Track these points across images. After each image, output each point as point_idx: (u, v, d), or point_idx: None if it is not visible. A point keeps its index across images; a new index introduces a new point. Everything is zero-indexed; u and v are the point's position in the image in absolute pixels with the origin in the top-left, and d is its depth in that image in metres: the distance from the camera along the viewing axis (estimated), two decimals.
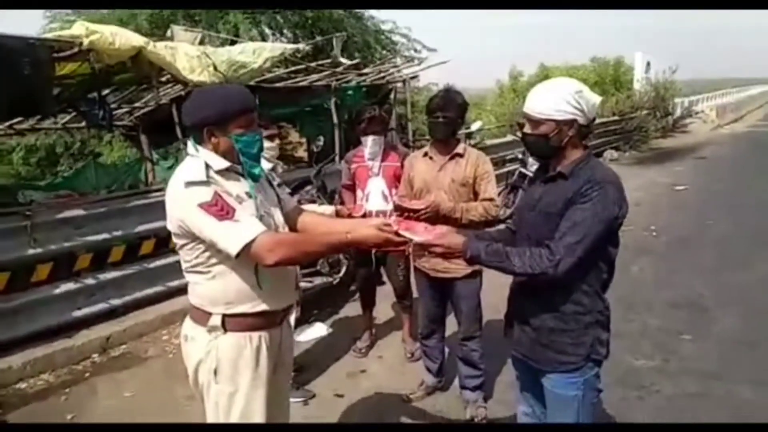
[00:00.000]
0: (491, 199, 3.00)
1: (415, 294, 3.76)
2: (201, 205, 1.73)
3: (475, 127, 9.07)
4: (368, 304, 4.11)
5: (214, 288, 1.88)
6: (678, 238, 6.75)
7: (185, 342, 1.97)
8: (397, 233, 1.90)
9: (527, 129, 1.96)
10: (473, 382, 3.21)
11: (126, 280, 4.51)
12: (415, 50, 13.80)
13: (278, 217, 2.03)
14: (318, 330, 4.40)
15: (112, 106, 6.30)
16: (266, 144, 3.31)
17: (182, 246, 1.88)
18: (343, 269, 4.87)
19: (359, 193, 3.86)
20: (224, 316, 1.88)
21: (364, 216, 3.73)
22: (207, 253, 1.85)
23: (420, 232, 1.97)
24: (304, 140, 11.94)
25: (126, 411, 3.36)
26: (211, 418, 1.96)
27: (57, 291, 4.14)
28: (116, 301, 4.40)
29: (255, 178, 1.94)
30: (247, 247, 1.73)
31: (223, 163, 1.86)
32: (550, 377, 1.98)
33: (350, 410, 3.31)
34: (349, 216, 3.75)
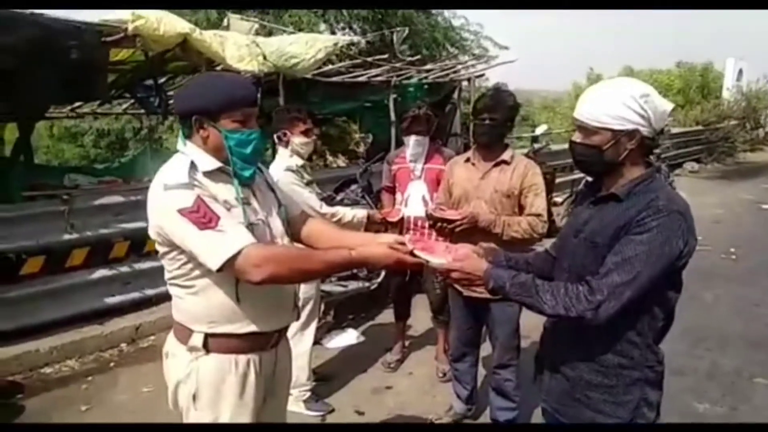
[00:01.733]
0: (539, 215, 2.65)
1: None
2: (181, 211, 1.51)
3: (539, 130, 8.58)
4: (402, 315, 3.85)
5: (197, 304, 1.65)
6: (761, 264, 6.02)
7: (166, 359, 1.75)
8: (411, 253, 1.64)
9: (576, 137, 1.60)
10: (505, 415, 2.87)
11: (161, 270, 4.43)
12: (486, 48, 13.37)
13: (276, 225, 1.78)
14: (348, 337, 4.17)
15: (169, 93, 6.33)
16: (301, 140, 3.12)
17: (163, 255, 1.65)
18: (382, 274, 4.61)
19: (398, 196, 3.60)
20: (207, 335, 1.65)
21: (401, 221, 3.51)
22: (189, 265, 1.61)
23: (438, 253, 1.68)
24: (368, 136, 11.86)
25: (138, 407, 3.25)
26: None
27: (91, 277, 4.14)
28: (150, 291, 4.34)
29: (244, 181, 1.69)
30: (231, 261, 1.50)
31: (212, 164, 1.63)
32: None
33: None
34: (383, 220, 3.53)
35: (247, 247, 1.51)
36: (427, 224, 3.42)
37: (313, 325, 3.25)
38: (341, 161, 15.54)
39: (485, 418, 3.05)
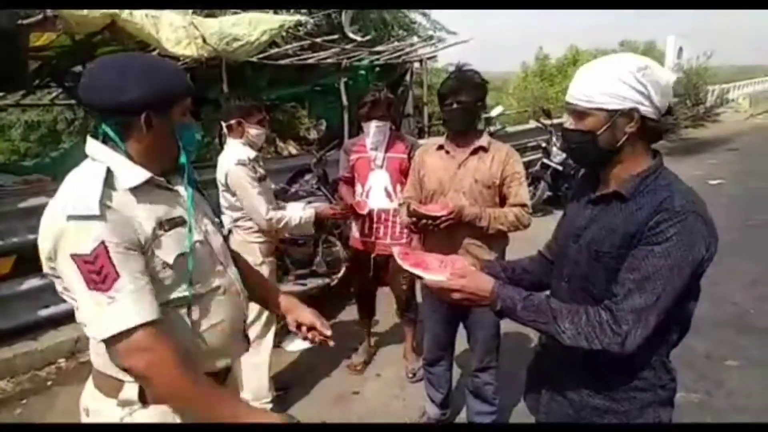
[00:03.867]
0: (524, 205, 2.46)
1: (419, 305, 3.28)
2: (74, 257, 1.16)
3: (495, 112, 8.46)
4: (366, 313, 3.63)
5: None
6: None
7: (86, 417, 1.37)
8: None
9: (568, 123, 1.40)
10: (484, 419, 2.70)
11: None
12: (435, 29, 13.21)
13: (216, 242, 1.47)
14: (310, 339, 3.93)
15: None
16: (259, 130, 2.84)
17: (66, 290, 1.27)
18: (343, 269, 4.38)
19: (359, 187, 3.35)
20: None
21: (369, 215, 3.27)
22: None
23: (434, 269, 1.48)
24: (320, 123, 11.52)
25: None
26: None
27: (21, 288, 3.73)
28: None
29: (193, 185, 1.40)
30: (117, 338, 1.17)
31: (141, 175, 1.28)
32: None
33: None
34: (352, 210, 3.29)
35: (140, 327, 1.18)
36: (390, 217, 3.23)
37: (271, 333, 3.01)
38: (292, 148, 15.16)
39: (461, 421, 2.89)
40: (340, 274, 4.37)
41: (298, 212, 2.95)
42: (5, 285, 3.70)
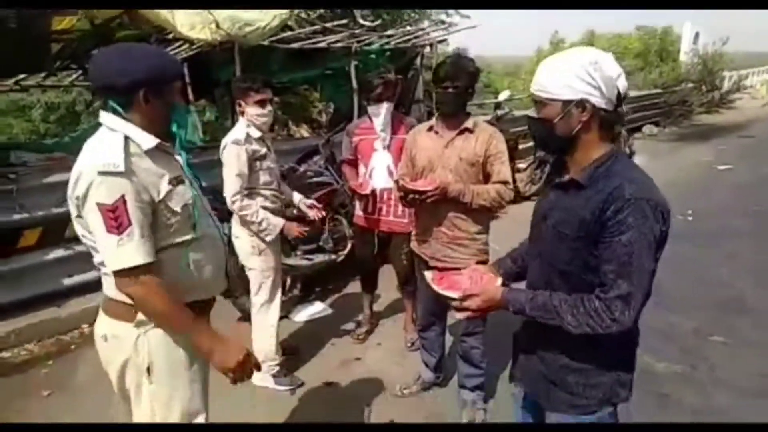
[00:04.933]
0: (506, 182, 2.65)
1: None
2: (99, 205, 1.49)
3: (503, 96, 8.55)
4: (369, 287, 3.83)
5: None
6: (717, 225, 6.21)
7: (104, 342, 1.71)
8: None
9: (532, 112, 1.56)
10: (472, 382, 2.91)
11: None
12: (447, 14, 13.20)
13: (203, 198, 1.81)
14: (316, 310, 4.16)
15: None
16: (255, 110, 3.01)
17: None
18: (348, 246, 4.58)
19: (362, 168, 3.53)
20: None
21: (373, 193, 3.45)
22: None
23: (464, 287, 1.69)
24: (329, 105, 11.64)
25: (103, 390, 3.15)
26: (146, 419, 1.73)
27: (46, 258, 3.99)
28: None
29: (187, 153, 1.76)
30: (123, 272, 1.54)
31: (152, 141, 1.60)
32: (561, 417, 1.65)
33: (339, 403, 3.08)
34: (354, 193, 3.47)
35: (143, 266, 1.54)
36: (393, 196, 3.40)
37: (278, 299, 3.22)
38: (304, 130, 15.31)
39: (453, 385, 3.10)
40: (345, 251, 4.57)
41: (264, 214, 3.00)
42: (32, 255, 3.95)
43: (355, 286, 4.52)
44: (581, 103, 1.45)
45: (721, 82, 18.50)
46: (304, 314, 4.09)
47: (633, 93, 13.89)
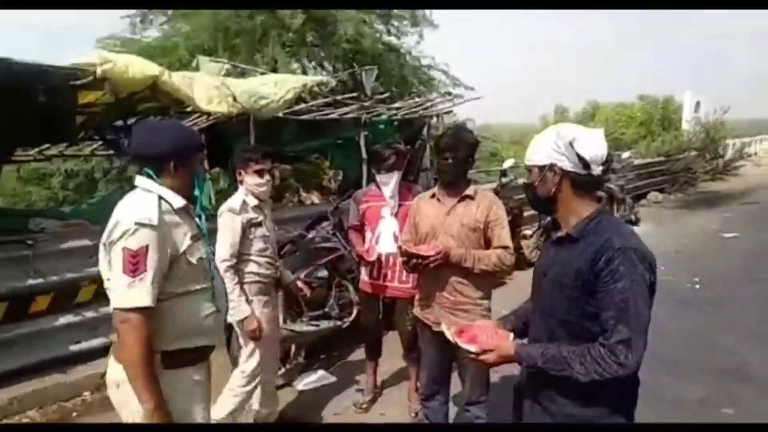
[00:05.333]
0: (506, 247, 2.72)
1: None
2: (125, 249, 1.73)
3: (507, 164, 8.75)
4: (373, 354, 3.83)
5: (159, 323, 1.81)
6: (724, 293, 6.18)
7: (117, 389, 1.86)
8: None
9: (527, 179, 1.81)
10: None
11: None
12: (454, 86, 13.71)
13: (210, 256, 2.03)
14: (320, 378, 4.13)
15: None
16: (254, 180, 3.15)
17: None
18: (355, 312, 4.59)
19: (368, 234, 3.62)
20: (164, 353, 1.84)
21: (379, 259, 3.52)
22: (165, 284, 1.81)
23: (483, 342, 1.82)
24: (338, 173, 11.92)
25: None
26: None
27: (56, 323, 4.03)
28: None
29: (202, 212, 2.00)
30: (124, 311, 1.72)
31: (181, 201, 1.87)
32: None
33: None
34: (360, 259, 3.54)
35: (144, 310, 1.72)
36: (398, 261, 3.46)
37: (254, 363, 3.16)
38: (315, 197, 15.53)
39: None
40: (351, 317, 4.58)
41: (239, 295, 3.04)
42: (42, 320, 3.99)
43: (359, 354, 4.51)
44: (551, 168, 1.69)
45: (725, 150, 18.74)
46: (307, 382, 4.06)
47: (637, 161, 14.12)
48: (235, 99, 4.79)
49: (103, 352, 4.16)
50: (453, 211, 2.79)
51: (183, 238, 1.85)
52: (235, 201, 3.12)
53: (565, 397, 1.67)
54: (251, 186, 3.14)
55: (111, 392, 1.91)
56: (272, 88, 5.12)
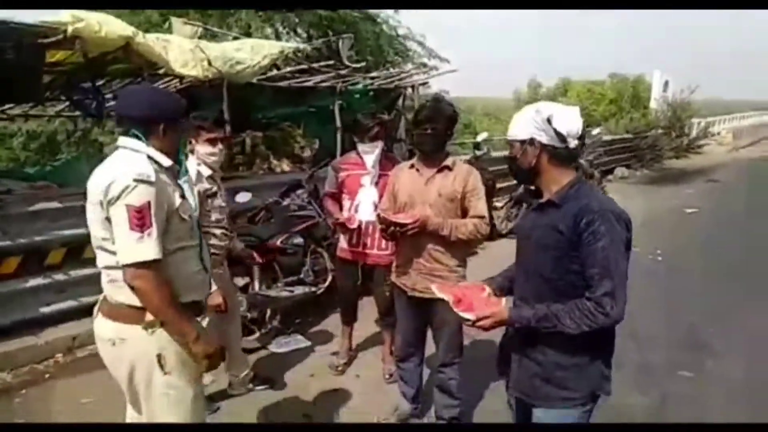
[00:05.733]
0: (482, 217, 2.80)
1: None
2: (128, 206, 1.75)
3: (481, 137, 8.83)
4: (349, 319, 3.90)
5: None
6: (684, 265, 6.45)
7: (112, 347, 1.90)
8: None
9: (508, 152, 1.95)
10: (449, 413, 2.98)
11: (100, 277, 4.31)
12: (430, 57, 13.62)
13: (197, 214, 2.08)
14: (296, 342, 4.20)
15: (107, 96, 6.14)
16: (205, 149, 3.08)
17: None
18: (329, 279, 4.66)
19: (346, 202, 3.65)
20: None
21: (358, 226, 3.56)
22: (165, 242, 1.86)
23: (480, 308, 1.92)
24: (314, 142, 11.81)
25: (77, 419, 3.16)
26: (161, 412, 1.93)
27: (25, 285, 3.97)
28: (88, 299, 4.18)
29: (185, 173, 2.05)
30: (136, 265, 1.77)
31: (168, 161, 1.93)
32: (546, 412, 1.90)
33: None
34: (342, 226, 3.57)
35: (152, 262, 1.78)
36: (372, 228, 3.51)
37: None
38: (286, 165, 15.38)
39: (430, 416, 3.16)
40: (326, 284, 4.65)
41: None
42: (11, 283, 3.93)
43: (332, 319, 4.59)
44: (531, 142, 1.84)
45: (690, 129, 19.27)
46: (283, 346, 4.13)
47: (606, 137, 14.38)
48: (210, 63, 4.69)
49: (73, 314, 4.17)
50: (431, 181, 2.84)
51: (174, 195, 1.91)
52: (189, 171, 3.05)
53: (555, 347, 1.83)
54: (203, 155, 3.06)
55: (104, 349, 1.94)
56: (248, 53, 5.03)
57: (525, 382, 1.93)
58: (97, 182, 1.80)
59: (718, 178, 14.08)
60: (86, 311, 4.15)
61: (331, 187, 3.72)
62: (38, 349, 3.84)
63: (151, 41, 4.20)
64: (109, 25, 3.90)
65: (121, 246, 1.78)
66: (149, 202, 1.77)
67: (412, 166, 2.94)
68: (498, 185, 8.14)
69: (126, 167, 1.80)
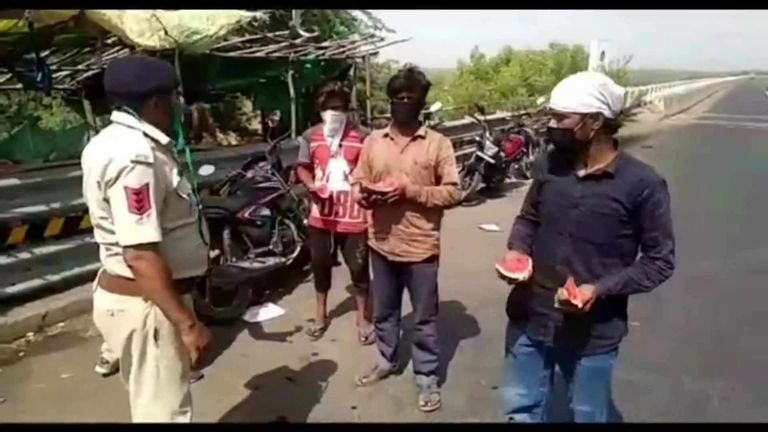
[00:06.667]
0: (455, 183, 2.95)
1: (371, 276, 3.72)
2: (126, 188, 1.74)
3: (434, 108, 8.99)
4: (323, 285, 4.02)
5: (163, 253, 1.86)
6: None
7: (111, 317, 1.94)
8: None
9: (552, 123, 1.97)
10: (427, 367, 3.18)
11: (65, 254, 4.26)
12: (376, 27, 13.59)
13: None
14: (271, 311, 4.29)
15: (52, 68, 5.89)
16: None
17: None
18: (297, 249, 4.73)
19: (318, 172, 3.73)
20: None
21: (330, 196, 3.65)
22: (165, 218, 1.86)
23: (580, 296, 1.93)
24: (258, 112, 11.60)
25: (61, 393, 3.17)
26: (148, 384, 1.97)
27: None
28: (54, 277, 4.14)
29: (182, 146, 2.09)
30: (136, 247, 1.77)
31: (165, 138, 1.91)
32: (591, 359, 2.09)
33: (301, 395, 3.23)
34: (315, 195, 3.64)
35: (152, 243, 1.78)
36: (349, 198, 3.61)
37: None
38: (232, 138, 15.05)
39: (408, 373, 3.36)
40: (294, 254, 4.72)
41: None
42: None
43: (303, 288, 4.71)
44: (596, 116, 1.88)
45: (625, 97, 20.12)
46: (258, 316, 4.21)
47: (548, 105, 14.85)
48: (166, 32, 4.59)
49: (40, 293, 4.09)
50: (406, 150, 2.96)
51: (171, 173, 1.89)
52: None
53: (593, 322, 2.02)
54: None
55: (102, 320, 1.98)
56: (204, 22, 4.92)
57: (569, 337, 2.07)
58: (94, 161, 1.79)
59: (651, 143, 14.87)
60: (53, 289, 4.16)
61: (304, 158, 3.79)
62: (8, 328, 3.77)
63: (107, 10, 4.06)
64: None
65: (120, 228, 1.78)
66: (148, 184, 1.76)
67: (386, 135, 3.04)
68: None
69: (123, 147, 1.77)
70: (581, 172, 2.00)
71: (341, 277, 4.20)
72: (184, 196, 1.94)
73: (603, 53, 20.85)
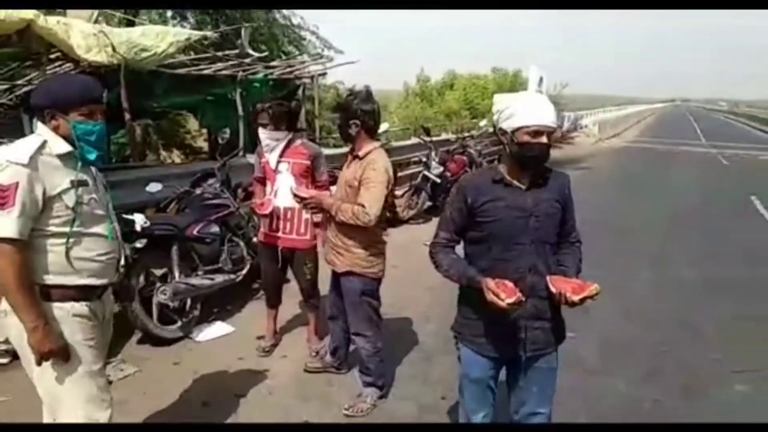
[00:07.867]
0: (362, 205, 2.97)
1: (323, 292, 3.80)
2: None
3: (382, 128, 9.13)
4: (274, 302, 4.03)
5: (32, 260, 1.98)
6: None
7: (4, 317, 2.02)
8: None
9: (543, 140, 2.08)
10: (364, 378, 3.38)
11: None
12: (324, 48, 13.77)
13: (104, 202, 2.19)
14: (220, 329, 4.26)
15: None
16: None
17: None
18: (247, 267, 4.74)
19: (268, 187, 3.79)
20: (42, 286, 2.00)
21: (275, 212, 3.70)
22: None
23: (576, 291, 2.06)
24: (204, 130, 11.46)
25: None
26: (45, 381, 2.06)
27: None
28: None
29: (90, 164, 2.12)
30: None
31: (65, 147, 2.02)
32: (545, 358, 2.25)
33: (251, 411, 3.24)
34: (254, 211, 3.69)
35: (8, 239, 1.88)
36: (296, 215, 3.68)
37: None
38: (176, 156, 14.76)
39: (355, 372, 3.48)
40: (244, 272, 4.71)
41: None
42: None
43: (252, 306, 4.70)
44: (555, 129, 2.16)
45: (563, 122, 21.09)
46: (206, 334, 4.17)
47: (491, 129, 15.38)
48: (114, 49, 4.57)
49: None
50: (347, 167, 3.22)
51: (60, 181, 1.99)
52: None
53: (550, 300, 2.17)
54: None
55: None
56: (154, 39, 4.95)
57: (541, 338, 2.21)
58: None
59: (586, 165, 15.65)
60: None
61: (258, 173, 3.86)
62: None
63: (53, 24, 4.03)
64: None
65: None
66: (17, 183, 1.88)
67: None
68: (399, 174, 8.54)
69: (9, 149, 1.98)
70: (524, 184, 2.16)
71: (291, 293, 4.23)
72: (70, 204, 2.00)
73: (541, 79, 21.85)
